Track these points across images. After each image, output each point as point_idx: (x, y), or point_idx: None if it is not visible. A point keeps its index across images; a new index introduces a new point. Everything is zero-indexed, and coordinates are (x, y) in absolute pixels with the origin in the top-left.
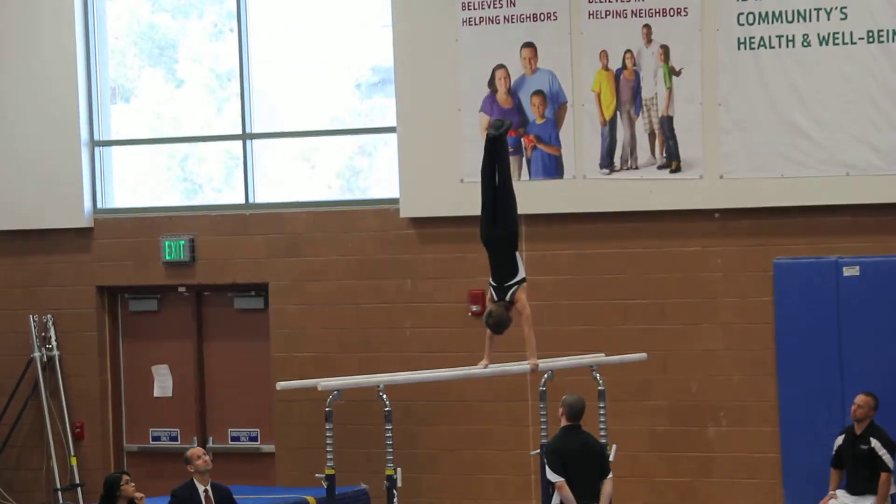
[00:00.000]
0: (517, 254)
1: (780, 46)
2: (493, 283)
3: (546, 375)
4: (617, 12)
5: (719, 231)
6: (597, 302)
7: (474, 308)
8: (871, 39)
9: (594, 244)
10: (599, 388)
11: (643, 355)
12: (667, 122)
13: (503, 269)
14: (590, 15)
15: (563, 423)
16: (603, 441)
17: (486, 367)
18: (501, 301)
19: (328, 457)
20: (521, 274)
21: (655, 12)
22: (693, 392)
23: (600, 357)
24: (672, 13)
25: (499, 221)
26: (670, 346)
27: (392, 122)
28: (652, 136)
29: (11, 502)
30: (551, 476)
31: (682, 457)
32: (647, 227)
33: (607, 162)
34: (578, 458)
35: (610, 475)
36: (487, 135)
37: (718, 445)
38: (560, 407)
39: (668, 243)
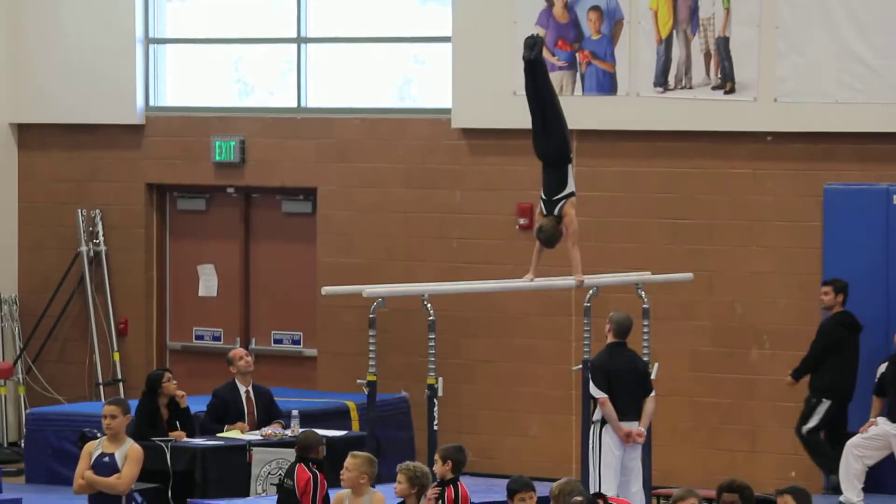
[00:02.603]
0: (569, 167)
1: None
2: (543, 197)
3: (591, 292)
4: None
5: (771, 154)
6: (645, 220)
7: (522, 221)
8: None
9: (645, 162)
10: (644, 306)
11: (689, 275)
12: (723, 43)
13: (554, 182)
14: None
15: (610, 339)
16: (645, 359)
17: (531, 280)
18: (551, 215)
19: (370, 363)
20: (571, 188)
21: None
22: (738, 314)
23: (646, 275)
24: None
25: (550, 136)
26: (717, 267)
27: (447, 32)
28: (707, 56)
29: (54, 395)
30: (595, 392)
31: (724, 378)
32: (699, 148)
33: (661, 80)
34: (622, 375)
35: (652, 394)
36: (523, 57)
37: (761, 368)
38: (607, 323)
39: (719, 164)
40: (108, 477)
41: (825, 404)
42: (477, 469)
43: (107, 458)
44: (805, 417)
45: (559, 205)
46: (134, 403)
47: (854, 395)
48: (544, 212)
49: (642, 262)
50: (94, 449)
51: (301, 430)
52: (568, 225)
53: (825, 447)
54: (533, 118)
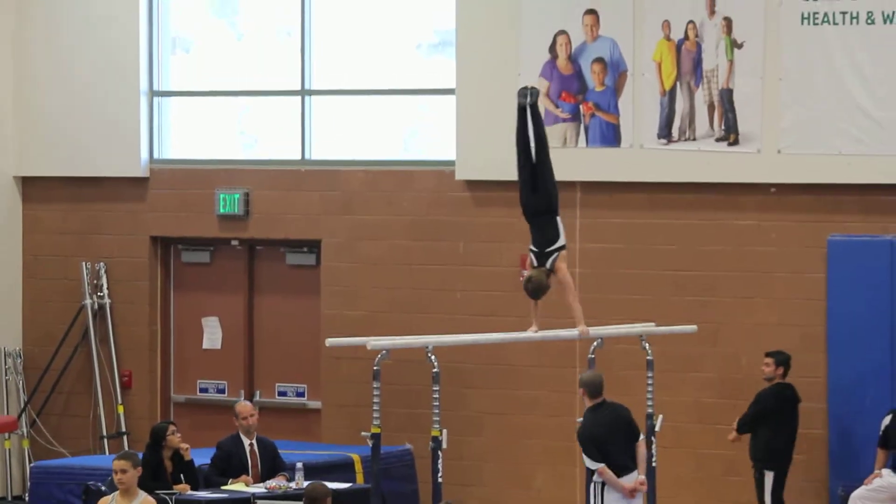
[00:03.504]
0: (558, 219)
1: (843, 23)
2: (535, 249)
3: (595, 343)
4: None
5: (775, 205)
6: (649, 272)
7: (525, 273)
8: None
9: (649, 214)
10: (648, 357)
11: (693, 327)
12: (727, 95)
13: (544, 234)
14: None
15: (587, 403)
16: (649, 411)
17: (535, 332)
18: (542, 267)
19: (374, 415)
20: (563, 240)
21: None
22: (743, 365)
23: (650, 327)
24: None
25: (538, 188)
26: (721, 318)
27: (451, 84)
28: (711, 108)
29: (58, 448)
30: (590, 464)
31: (728, 430)
32: (703, 199)
33: (665, 132)
34: (610, 434)
35: (641, 437)
36: (518, 104)
37: None
38: (580, 388)
39: (723, 216)
40: None
41: (769, 476)
42: None
43: None
44: (759, 489)
45: (552, 258)
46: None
47: (858, 447)
48: (535, 263)
49: (646, 313)
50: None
51: (307, 482)
52: (563, 280)
53: None
54: (521, 170)
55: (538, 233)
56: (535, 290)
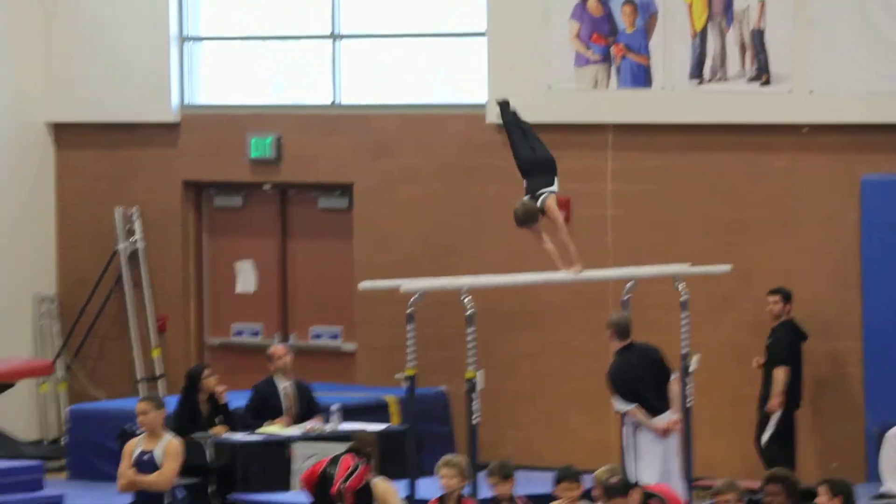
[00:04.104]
0: (555, 177)
1: None
2: (527, 196)
3: (629, 284)
4: None
5: (807, 146)
6: (682, 213)
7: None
8: None
9: (681, 155)
10: (682, 298)
11: (727, 267)
12: (758, 35)
13: (540, 183)
14: None
15: (615, 345)
16: (685, 352)
17: (579, 272)
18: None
19: (409, 358)
20: (555, 187)
21: None
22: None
23: (684, 267)
24: None
25: (537, 149)
26: (755, 258)
27: (482, 27)
28: (742, 48)
29: (94, 392)
30: (621, 406)
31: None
32: (735, 140)
33: (696, 73)
34: (642, 375)
35: (674, 376)
36: (504, 121)
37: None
38: (607, 329)
39: (756, 157)
40: (149, 474)
41: (777, 412)
42: (518, 462)
43: (146, 456)
44: (761, 427)
45: (541, 197)
46: (174, 399)
47: (893, 384)
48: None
49: (680, 254)
50: (134, 447)
51: (343, 424)
52: (554, 218)
53: (782, 461)
54: (513, 140)
55: (533, 182)
56: (524, 215)
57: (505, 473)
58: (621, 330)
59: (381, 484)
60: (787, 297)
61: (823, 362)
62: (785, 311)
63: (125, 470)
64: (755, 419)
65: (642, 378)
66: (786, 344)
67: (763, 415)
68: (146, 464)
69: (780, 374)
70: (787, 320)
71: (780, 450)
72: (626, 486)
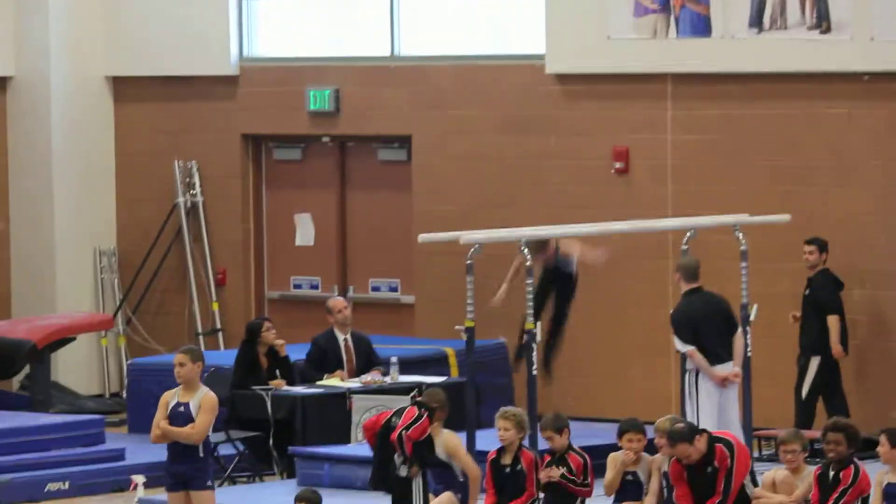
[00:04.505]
0: None
1: None
2: None
3: (689, 234)
4: None
5: (868, 94)
6: (741, 162)
7: (617, 165)
8: None
9: (740, 104)
10: (742, 248)
11: (786, 216)
12: None
13: None
14: None
15: (683, 287)
16: (744, 301)
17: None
18: None
19: (468, 309)
20: None
21: None
22: (837, 254)
23: (743, 217)
24: None
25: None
26: (815, 208)
27: None
28: None
29: (154, 345)
30: (680, 346)
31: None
32: (795, 89)
33: (756, 22)
34: (706, 320)
35: (740, 330)
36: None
37: (861, 308)
38: (675, 272)
39: (816, 105)
40: (183, 426)
41: (815, 361)
42: (578, 413)
43: (182, 408)
44: (801, 378)
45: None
46: (233, 353)
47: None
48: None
49: (739, 204)
50: (170, 398)
51: (402, 376)
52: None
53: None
54: None
55: None
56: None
57: (558, 426)
58: (689, 272)
59: (449, 437)
60: (822, 246)
61: (885, 310)
62: (821, 260)
63: (159, 420)
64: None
65: (704, 323)
66: (830, 292)
67: (802, 366)
68: (181, 415)
69: (834, 322)
70: (823, 269)
71: (826, 400)
72: (692, 432)
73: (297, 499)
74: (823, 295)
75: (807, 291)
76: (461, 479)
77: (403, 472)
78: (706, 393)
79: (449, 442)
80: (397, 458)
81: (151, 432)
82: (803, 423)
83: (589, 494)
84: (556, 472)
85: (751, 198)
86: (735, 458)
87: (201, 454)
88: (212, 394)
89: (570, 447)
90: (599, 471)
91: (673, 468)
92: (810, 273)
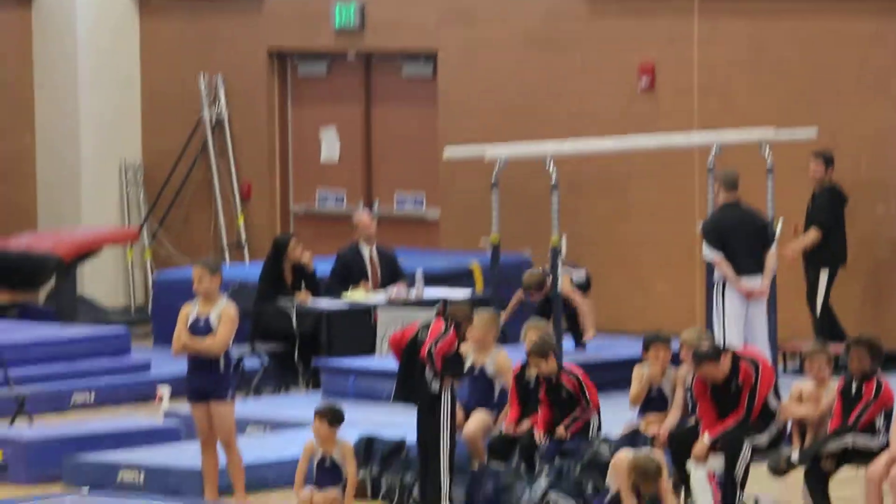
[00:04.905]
0: None
1: None
2: None
3: (714, 149)
4: None
5: (895, 9)
6: (768, 77)
7: (643, 81)
8: None
9: (767, 18)
10: (768, 163)
11: (812, 131)
12: None
13: None
14: None
15: (721, 198)
16: (770, 216)
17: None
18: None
19: (493, 224)
20: None
21: None
22: (862, 169)
23: (769, 132)
24: None
25: None
26: (841, 123)
27: None
28: None
29: (179, 258)
30: (708, 253)
31: (848, 233)
32: (822, 4)
33: None
34: (738, 232)
35: (773, 248)
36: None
37: (886, 222)
38: (714, 183)
39: (843, 20)
40: (204, 338)
41: (824, 274)
42: (603, 327)
43: (202, 320)
44: (812, 291)
45: None
46: (258, 267)
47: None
48: None
49: (766, 119)
50: (190, 311)
51: (427, 289)
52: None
53: (837, 324)
54: None
55: None
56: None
57: (542, 352)
58: (729, 182)
59: (503, 356)
60: (828, 161)
61: None
62: (827, 175)
63: (180, 333)
64: (844, 280)
65: (734, 234)
66: (827, 209)
67: (811, 281)
68: (202, 328)
69: (811, 234)
70: (829, 186)
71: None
72: (717, 352)
73: (316, 412)
74: (817, 210)
75: (810, 206)
76: (496, 400)
77: (434, 387)
78: (732, 305)
79: (502, 361)
80: (428, 374)
81: (172, 345)
82: (825, 335)
83: (596, 408)
84: (562, 431)
85: (777, 113)
86: (759, 376)
87: (221, 367)
88: (232, 305)
89: (560, 369)
90: (623, 385)
91: (696, 384)
92: (816, 188)
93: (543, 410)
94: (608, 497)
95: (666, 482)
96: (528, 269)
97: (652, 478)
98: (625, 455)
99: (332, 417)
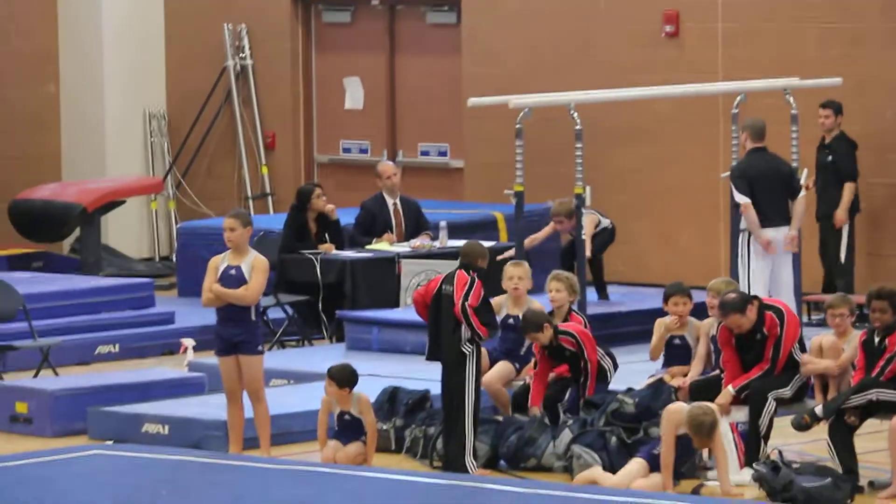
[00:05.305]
0: None
1: None
2: None
3: (739, 98)
4: None
5: None
6: (793, 25)
7: (667, 28)
8: None
9: None
10: (792, 111)
11: (838, 80)
12: None
13: None
14: None
15: (749, 146)
16: (794, 165)
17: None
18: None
19: (517, 174)
20: None
21: None
22: (888, 119)
23: (794, 81)
24: None
25: None
26: (867, 72)
27: None
28: None
29: (203, 209)
30: (737, 197)
31: (874, 183)
32: None
33: None
34: (765, 179)
35: (802, 194)
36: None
37: None
38: (742, 132)
39: None
40: (236, 289)
41: (846, 224)
42: (628, 279)
43: (233, 271)
44: (825, 245)
45: None
46: (282, 217)
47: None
48: None
49: (791, 67)
50: (220, 263)
51: (452, 240)
52: None
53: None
54: None
55: None
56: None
57: (537, 324)
58: (756, 131)
59: (535, 307)
60: (837, 109)
61: None
62: (836, 124)
63: (210, 284)
64: (870, 230)
65: (761, 182)
66: (851, 159)
67: (825, 233)
68: (233, 278)
69: (849, 190)
70: (840, 133)
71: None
72: (744, 302)
73: (328, 374)
74: (845, 161)
75: (828, 158)
76: (523, 352)
77: (469, 346)
78: (758, 254)
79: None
80: (464, 332)
81: (203, 296)
82: (844, 287)
83: (595, 366)
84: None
85: (803, 61)
86: (785, 326)
87: (252, 318)
88: (262, 256)
89: (556, 333)
90: (647, 337)
91: (721, 334)
92: (826, 137)
93: (557, 370)
94: (659, 446)
95: (720, 437)
96: (549, 217)
97: (706, 433)
98: (679, 406)
99: (342, 379)
